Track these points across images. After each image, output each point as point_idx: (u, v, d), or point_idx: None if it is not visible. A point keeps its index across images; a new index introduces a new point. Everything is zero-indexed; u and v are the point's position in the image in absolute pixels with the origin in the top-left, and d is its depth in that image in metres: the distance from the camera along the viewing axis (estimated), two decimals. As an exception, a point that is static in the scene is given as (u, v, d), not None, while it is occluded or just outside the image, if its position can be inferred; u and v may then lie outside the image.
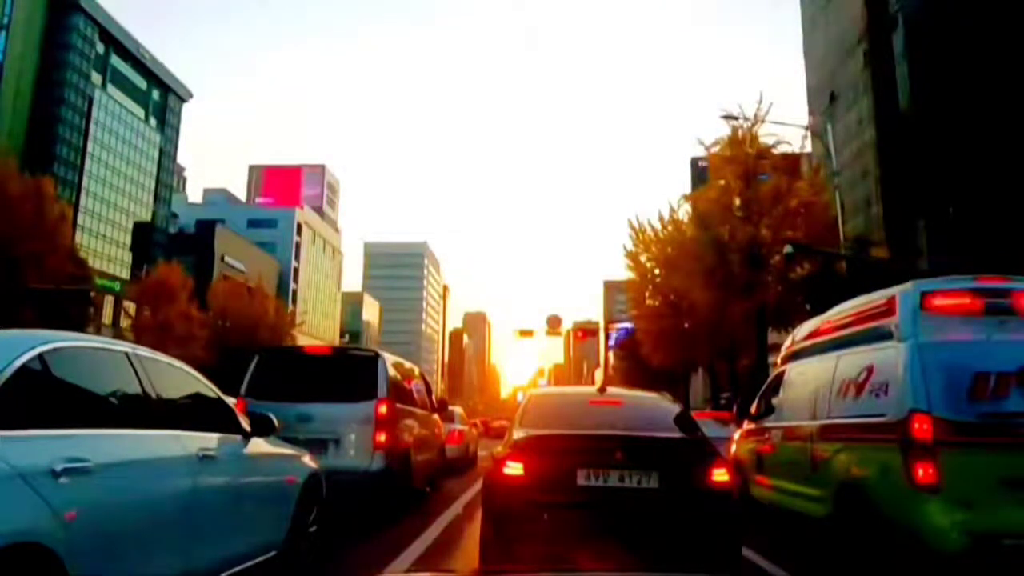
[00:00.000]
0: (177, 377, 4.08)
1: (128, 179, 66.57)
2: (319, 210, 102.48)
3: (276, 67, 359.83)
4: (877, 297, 5.72)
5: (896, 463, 4.62)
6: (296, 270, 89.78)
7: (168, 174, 74.15)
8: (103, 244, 61.76)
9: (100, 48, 64.64)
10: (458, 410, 17.98)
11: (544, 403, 6.17)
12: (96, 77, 63.88)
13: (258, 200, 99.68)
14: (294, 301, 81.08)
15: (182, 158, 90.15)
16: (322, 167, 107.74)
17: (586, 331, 66.16)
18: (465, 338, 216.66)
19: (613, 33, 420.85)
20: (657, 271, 32.37)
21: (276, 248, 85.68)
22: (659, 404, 6.21)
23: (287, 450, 5.16)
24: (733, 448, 8.29)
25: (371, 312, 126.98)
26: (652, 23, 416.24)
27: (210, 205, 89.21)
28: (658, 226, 31.13)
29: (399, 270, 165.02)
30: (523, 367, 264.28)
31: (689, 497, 4.62)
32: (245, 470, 4.36)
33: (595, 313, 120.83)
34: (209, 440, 3.95)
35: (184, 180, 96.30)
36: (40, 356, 2.95)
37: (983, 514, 4.27)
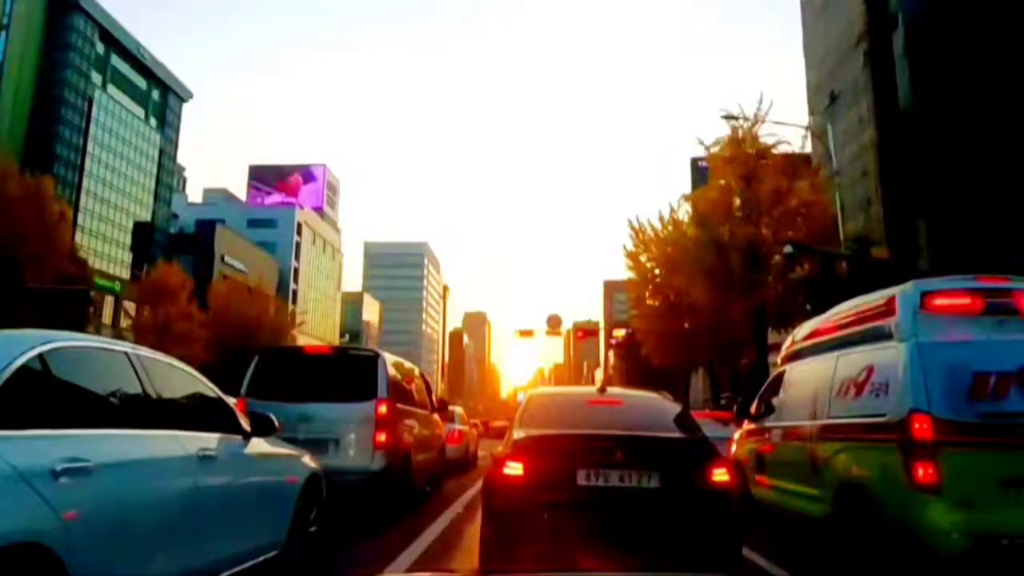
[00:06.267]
0: (177, 377, 4.08)
1: (128, 179, 66.48)
2: (319, 210, 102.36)
3: (276, 67, 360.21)
4: (877, 297, 5.71)
5: (896, 463, 4.62)
6: (296, 270, 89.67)
7: (168, 174, 74.05)
8: (103, 244, 61.68)
9: (100, 48, 64.53)
10: (458, 410, 17.95)
11: (544, 403, 6.16)
12: (96, 77, 63.79)
13: (258, 200, 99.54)
14: (294, 301, 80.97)
15: (182, 158, 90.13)
16: (323, 167, 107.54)
17: (586, 331, 66.31)
18: (465, 338, 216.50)
19: (613, 33, 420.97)
20: (657, 271, 32.40)
21: (276, 248, 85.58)
22: (659, 404, 6.20)
23: (287, 450, 5.16)
24: (733, 448, 8.29)
25: (371, 312, 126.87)
26: (653, 23, 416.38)
27: (210, 205, 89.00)
28: (658, 226, 31.18)
29: (399, 270, 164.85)
30: (523, 367, 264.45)
31: (689, 497, 4.62)
32: (245, 470, 4.36)
33: (595, 313, 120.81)
34: (209, 440, 3.94)
35: (184, 180, 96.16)
36: (40, 356, 2.95)
37: (983, 514, 4.27)
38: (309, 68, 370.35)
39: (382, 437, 7.86)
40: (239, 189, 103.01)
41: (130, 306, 52.35)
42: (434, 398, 11.56)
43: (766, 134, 25.81)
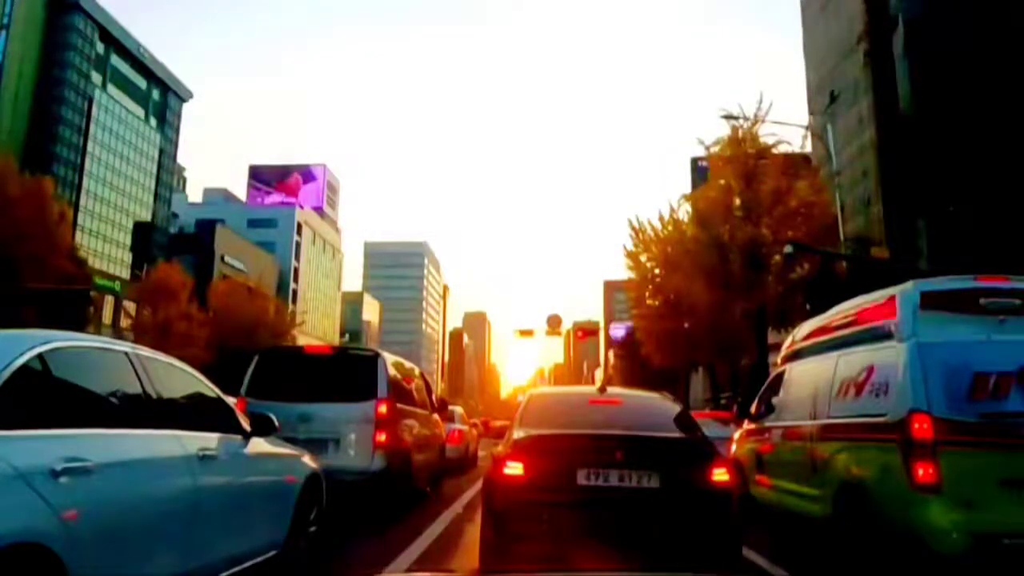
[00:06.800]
0: (177, 377, 4.08)
1: (128, 179, 66.45)
2: (319, 210, 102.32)
3: (276, 67, 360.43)
4: (877, 297, 5.71)
5: (896, 463, 4.62)
6: (296, 270, 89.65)
7: (168, 174, 74.02)
8: (103, 244, 61.66)
9: (100, 48, 64.52)
10: (458, 410, 17.95)
11: (544, 403, 6.16)
12: (96, 77, 63.78)
13: (258, 200, 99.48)
14: (294, 301, 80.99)
15: (182, 158, 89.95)
16: (323, 167, 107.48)
17: (586, 331, 66.35)
18: (465, 338, 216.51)
19: (614, 33, 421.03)
20: (657, 271, 32.34)
21: (276, 248, 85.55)
22: (659, 404, 6.20)
23: (287, 450, 5.15)
24: (733, 448, 8.29)
25: (371, 312, 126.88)
26: (653, 23, 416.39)
27: (210, 205, 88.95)
28: (658, 226, 31.10)
29: (399, 270, 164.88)
30: (523, 367, 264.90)
31: (689, 497, 4.62)
32: (245, 470, 4.36)
33: (595, 313, 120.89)
34: (209, 440, 3.94)
35: (184, 180, 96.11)
36: (40, 356, 2.95)
37: (983, 514, 4.27)
38: (309, 68, 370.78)
39: (382, 437, 7.85)
40: (239, 189, 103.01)
41: (130, 306, 52.32)
42: (434, 398, 11.54)
43: (766, 134, 25.79)
